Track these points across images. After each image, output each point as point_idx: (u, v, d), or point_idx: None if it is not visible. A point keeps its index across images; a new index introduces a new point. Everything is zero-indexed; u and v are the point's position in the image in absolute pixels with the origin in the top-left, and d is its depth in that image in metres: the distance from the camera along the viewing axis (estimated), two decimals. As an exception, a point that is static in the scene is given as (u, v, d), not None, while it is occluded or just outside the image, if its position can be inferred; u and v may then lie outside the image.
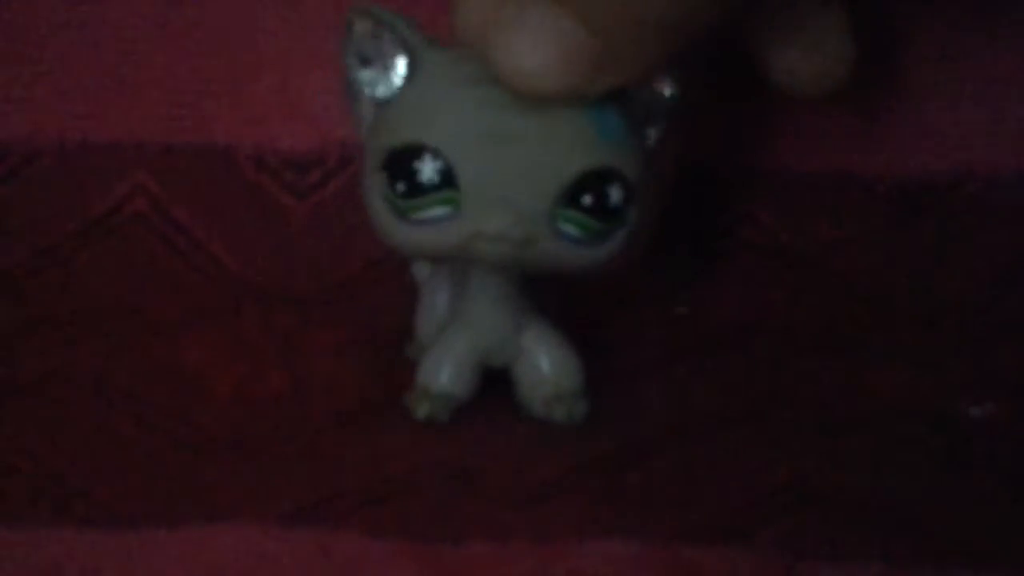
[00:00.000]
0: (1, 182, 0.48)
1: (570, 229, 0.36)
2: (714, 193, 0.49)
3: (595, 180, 0.36)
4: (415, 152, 0.36)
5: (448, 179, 0.36)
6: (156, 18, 0.48)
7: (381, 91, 0.38)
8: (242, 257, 0.48)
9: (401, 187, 0.36)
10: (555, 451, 0.39)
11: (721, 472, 0.38)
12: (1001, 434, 0.40)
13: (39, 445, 0.38)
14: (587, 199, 0.36)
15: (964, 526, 0.36)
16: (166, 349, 0.44)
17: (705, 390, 0.42)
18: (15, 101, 0.48)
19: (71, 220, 0.48)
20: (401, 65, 0.37)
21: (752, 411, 0.41)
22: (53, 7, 0.48)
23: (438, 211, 0.36)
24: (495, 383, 0.40)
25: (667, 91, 0.37)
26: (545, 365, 0.40)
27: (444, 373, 0.40)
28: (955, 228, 0.48)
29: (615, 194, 0.36)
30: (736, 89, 0.45)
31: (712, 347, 0.45)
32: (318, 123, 0.48)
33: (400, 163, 0.36)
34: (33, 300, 0.47)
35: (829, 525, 0.36)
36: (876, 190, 0.48)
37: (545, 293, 0.41)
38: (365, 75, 0.38)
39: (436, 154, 0.36)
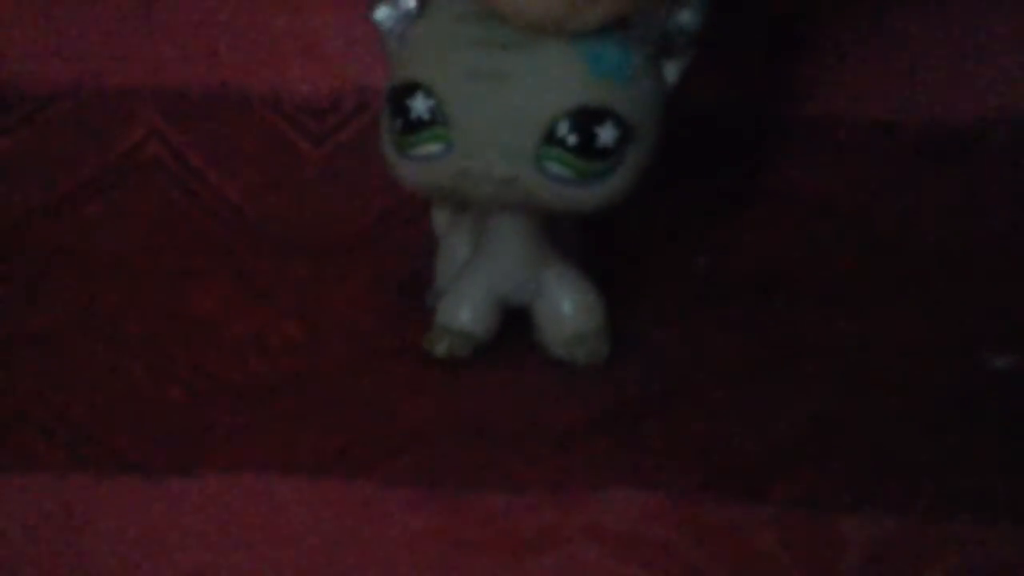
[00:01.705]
0: (17, 127, 0.48)
1: (556, 168, 0.36)
2: (734, 142, 0.48)
3: (583, 119, 0.36)
4: (410, 90, 0.37)
5: (439, 116, 0.37)
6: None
7: (398, 28, 0.38)
8: (257, 204, 0.48)
9: (399, 123, 0.37)
10: (573, 400, 0.39)
11: (740, 423, 0.38)
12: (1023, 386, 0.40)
13: (55, 392, 0.38)
14: (572, 138, 0.36)
15: (984, 479, 0.36)
16: (181, 297, 0.44)
17: (724, 339, 0.42)
18: (30, 48, 0.48)
19: (87, 165, 0.48)
20: (413, 3, 0.38)
21: (772, 361, 0.41)
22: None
23: (432, 148, 0.37)
24: (514, 329, 0.40)
25: (685, 17, 0.37)
26: (566, 304, 0.40)
27: (464, 311, 0.40)
28: (981, 176, 0.48)
29: (606, 134, 0.36)
30: (756, 36, 0.45)
31: (732, 296, 0.45)
32: (334, 68, 0.48)
33: (397, 100, 0.37)
34: (48, 246, 0.46)
35: (848, 477, 0.35)
36: (900, 138, 0.48)
37: (569, 234, 0.41)
38: (381, 12, 0.38)
39: (428, 92, 0.37)
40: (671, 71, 0.38)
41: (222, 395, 0.39)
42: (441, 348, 0.40)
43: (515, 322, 0.40)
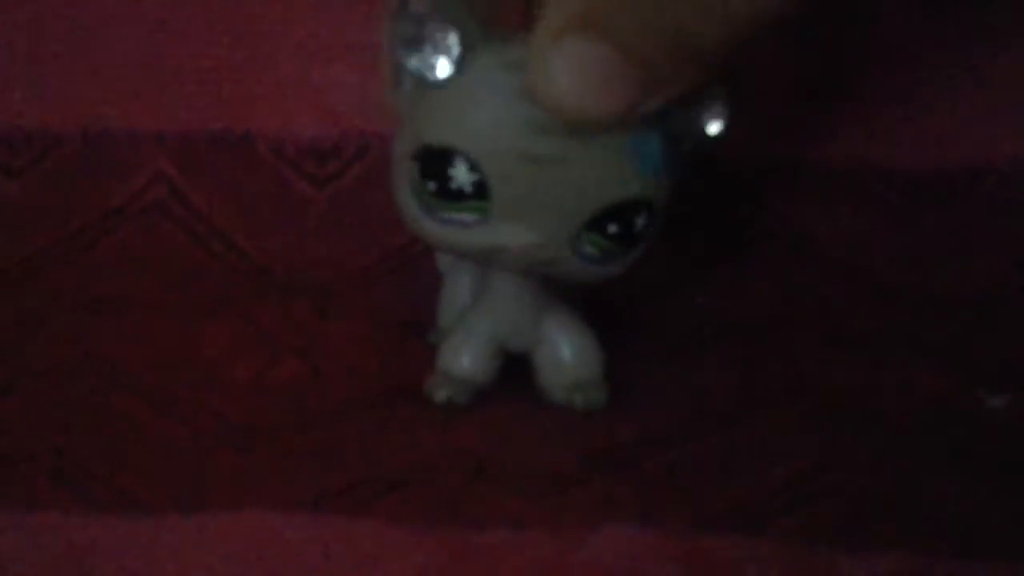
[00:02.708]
0: (23, 170, 0.49)
1: (589, 250, 0.36)
2: (735, 184, 0.49)
3: (627, 211, 0.36)
4: (451, 156, 0.35)
5: (480, 190, 0.35)
6: (178, 8, 0.48)
7: (427, 74, 0.35)
8: (261, 245, 0.48)
9: (432, 186, 0.36)
10: (573, 439, 0.39)
11: (738, 462, 0.38)
12: (1020, 425, 0.40)
13: (59, 431, 0.39)
14: (613, 228, 0.36)
15: (982, 517, 0.36)
16: (185, 337, 0.44)
17: (724, 380, 0.42)
18: (37, 90, 0.49)
19: (92, 207, 0.49)
20: (453, 52, 0.35)
21: (770, 401, 0.41)
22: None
23: (466, 216, 0.36)
24: (515, 370, 0.40)
25: (713, 129, 0.37)
26: (566, 352, 0.40)
27: (464, 358, 0.40)
28: (974, 220, 0.48)
29: (640, 222, 0.36)
30: (757, 81, 0.45)
31: (731, 337, 0.45)
32: (337, 113, 0.48)
33: (434, 163, 0.35)
34: (54, 287, 0.47)
35: (846, 516, 0.36)
36: (895, 181, 0.48)
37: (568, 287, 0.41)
38: (413, 58, 0.35)
39: (473, 165, 0.35)
40: (686, 146, 0.37)
41: (225, 434, 0.39)
42: (441, 394, 0.40)
43: (515, 364, 0.40)
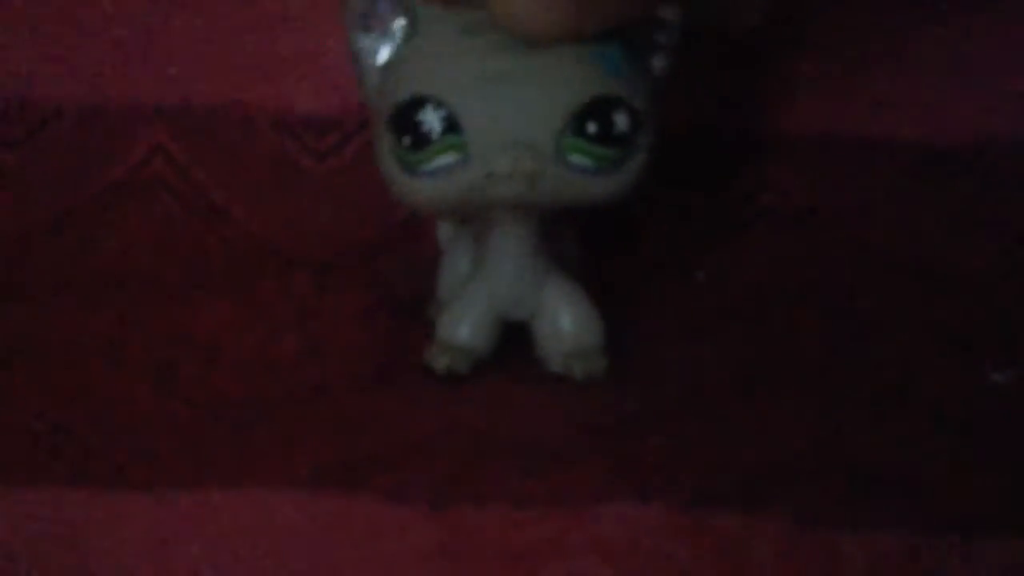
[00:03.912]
0: (20, 144, 0.49)
1: (580, 159, 0.37)
2: (735, 159, 0.48)
3: (600, 108, 0.36)
4: (417, 104, 0.36)
5: (452, 125, 0.36)
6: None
7: (383, 55, 0.38)
8: (260, 220, 0.48)
9: (407, 140, 0.37)
10: (574, 415, 0.39)
11: (739, 438, 0.38)
12: (1024, 401, 0.40)
13: (57, 407, 0.39)
14: (592, 127, 0.36)
15: (985, 495, 0.36)
16: (183, 312, 0.44)
17: (725, 356, 0.42)
18: (33, 64, 0.49)
19: (91, 181, 0.48)
20: (399, 26, 0.38)
21: (772, 378, 0.41)
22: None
23: (446, 159, 0.37)
24: (514, 346, 0.40)
25: (669, 17, 0.38)
26: (565, 320, 0.40)
27: (464, 327, 0.40)
28: (978, 194, 0.48)
29: (621, 121, 0.37)
30: (757, 54, 0.45)
31: (733, 313, 0.45)
32: (337, 86, 0.48)
33: (404, 117, 0.37)
34: (52, 262, 0.47)
35: (848, 493, 0.36)
36: (899, 155, 0.48)
37: (570, 248, 0.41)
38: (366, 41, 0.38)
39: (438, 103, 0.36)
40: (656, 65, 0.39)
41: (224, 410, 0.39)
42: (441, 364, 0.40)
43: (516, 336, 0.40)
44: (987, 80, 0.48)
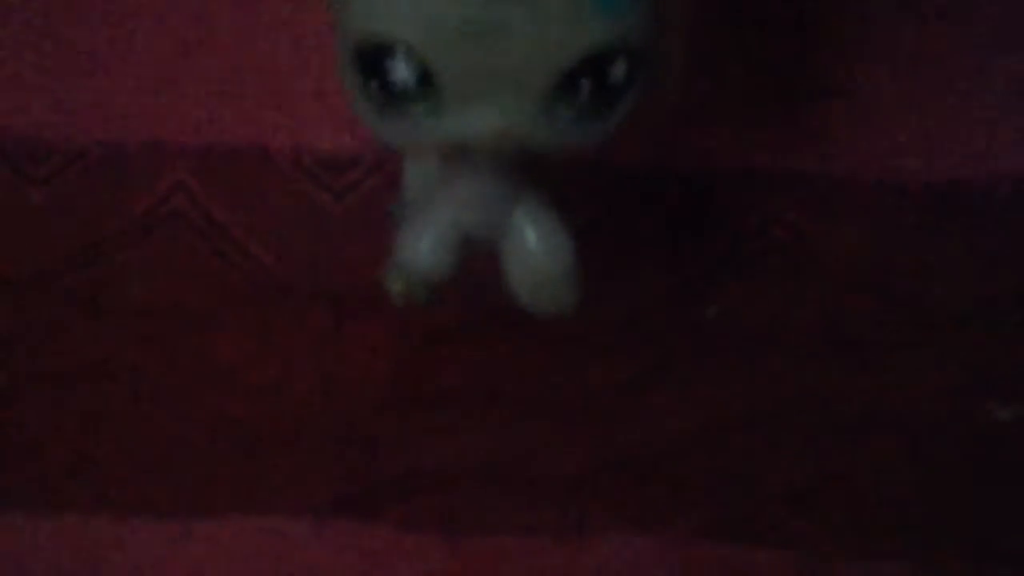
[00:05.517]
0: (44, 182, 0.49)
1: (567, 113, 0.32)
2: (746, 195, 0.49)
3: (595, 63, 0.31)
4: (387, 51, 0.31)
5: (426, 78, 0.31)
6: (196, 20, 0.49)
7: None
8: (278, 255, 0.49)
9: (374, 84, 0.32)
10: (581, 447, 0.39)
11: (743, 470, 0.38)
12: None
13: (78, 435, 0.39)
14: (586, 85, 0.31)
15: (987, 529, 0.36)
16: (204, 344, 0.44)
17: (734, 390, 0.42)
18: (57, 102, 0.49)
19: (112, 219, 0.49)
20: None
21: (780, 412, 0.41)
22: (92, 9, 0.49)
23: (417, 110, 0.32)
24: (524, 374, 0.41)
25: None
26: (532, 242, 0.36)
27: (424, 244, 0.36)
28: (985, 231, 0.48)
29: (618, 70, 0.32)
30: (768, 91, 0.45)
31: (742, 348, 0.45)
32: (355, 124, 0.49)
33: (371, 61, 0.32)
34: (75, 297, 0.47)
35: (850, 526, 0.36)
36: (908, 194, 0.48)
37: (542, 170, 0.36)
38: None
39: (410, 52, 0.31)
40: None
41: (242, 439, 0.39)
42: (397, 289, 0.36)
43: (527, 366, 0.41)
44: (997, 118, 0.48)
